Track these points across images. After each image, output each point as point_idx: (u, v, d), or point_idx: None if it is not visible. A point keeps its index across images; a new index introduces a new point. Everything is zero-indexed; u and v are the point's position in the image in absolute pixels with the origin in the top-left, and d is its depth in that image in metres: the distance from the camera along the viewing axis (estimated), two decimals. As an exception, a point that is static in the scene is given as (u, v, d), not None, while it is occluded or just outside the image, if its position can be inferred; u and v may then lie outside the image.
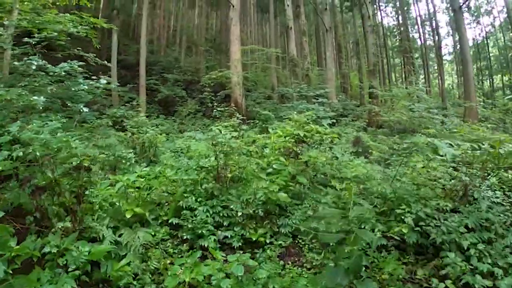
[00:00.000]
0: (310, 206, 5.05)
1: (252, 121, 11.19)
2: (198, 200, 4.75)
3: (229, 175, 5.32)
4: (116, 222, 4.32)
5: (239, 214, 4.47)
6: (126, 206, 4.18)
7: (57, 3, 8.51)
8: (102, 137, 8.50)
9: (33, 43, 5.76)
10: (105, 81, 6.04)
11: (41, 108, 4.68)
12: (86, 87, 5.77)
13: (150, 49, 20.71)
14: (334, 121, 11.74)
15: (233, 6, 14.08)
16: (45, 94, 4.90)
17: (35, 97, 4.13)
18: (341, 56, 29.20)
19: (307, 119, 7.11)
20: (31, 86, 5.00)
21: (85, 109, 5.61)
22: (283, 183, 4.84)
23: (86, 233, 4.17)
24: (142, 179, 4.50)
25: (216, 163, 5.01)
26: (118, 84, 13.93)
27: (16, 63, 5.16)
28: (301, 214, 4.83)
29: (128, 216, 4.06)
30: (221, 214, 4.55)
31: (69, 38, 7.58)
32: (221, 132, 5.24)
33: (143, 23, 15.43)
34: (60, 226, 3.84)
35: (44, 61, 5.29)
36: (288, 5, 18.79)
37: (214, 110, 11.79)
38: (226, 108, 11.42)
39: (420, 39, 33.05)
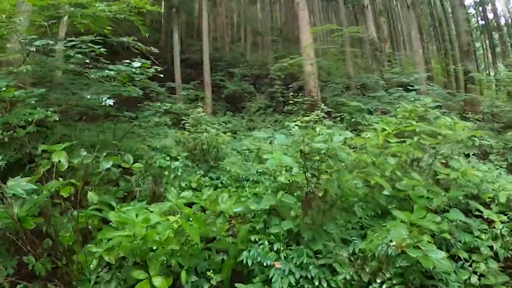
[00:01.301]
0: (471, 266, 2.58)
1: (338, 115, 8.79)
2: (275, 247, 2.59)
3: (319, 194, 3.07)
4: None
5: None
6: (137, 272, 2.22)
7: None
8: (158, 137, 7.43)
9: (47, 25, 4.35)
10: (139, 64, 4.33)
11: (32, 102, 3.11)
12: (112, 73, 4.11)
13: (214, 46, 19.68)
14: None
15: (299, -10, 11.99)
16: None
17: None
18: (422, 38, 24.59)
19: (428, 109, 4.87)
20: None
21: (110, 102, 3.94)
22: (433, 226, 2.38)
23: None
24: (176, 216, 2.51)
25: (304, 178, 2.78)
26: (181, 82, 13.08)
27: (9, 45, 3.74)
28: (458, 282, 2.43)
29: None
30: (316, 283, 2.30)
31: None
32: (317, 133, 2.95)
33: (203, 18, 14.46)
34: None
35: (51, 41, 3.77)
36: (360, -19, 15.96)
37: (287, 104, 9.94)
38: (306, 99, 9.32)
39: (504, 17, 26.80)
